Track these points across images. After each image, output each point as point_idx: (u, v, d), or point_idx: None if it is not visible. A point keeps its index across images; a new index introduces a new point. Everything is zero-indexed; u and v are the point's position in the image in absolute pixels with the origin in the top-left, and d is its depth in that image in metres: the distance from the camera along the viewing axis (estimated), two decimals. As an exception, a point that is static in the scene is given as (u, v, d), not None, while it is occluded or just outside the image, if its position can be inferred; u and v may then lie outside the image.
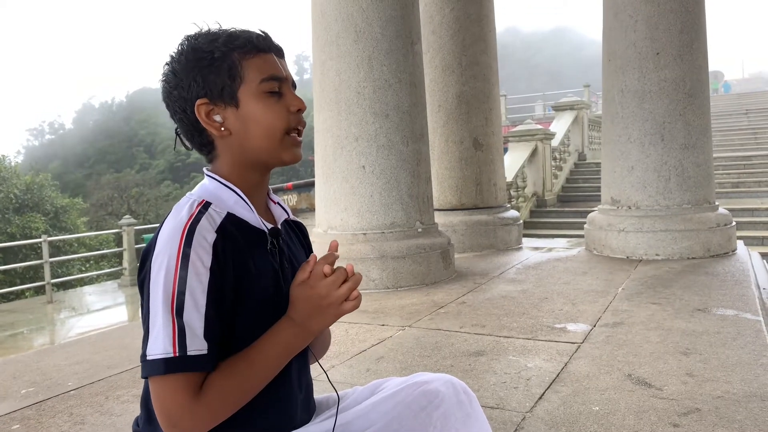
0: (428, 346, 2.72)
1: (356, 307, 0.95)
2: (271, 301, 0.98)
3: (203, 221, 0.93)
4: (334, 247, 0.99)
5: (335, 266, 0.95)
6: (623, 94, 4.91)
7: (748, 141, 15.77)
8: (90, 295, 10.93)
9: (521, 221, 6.37)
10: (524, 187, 10.89)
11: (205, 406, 0.87)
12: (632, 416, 1.87)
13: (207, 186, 1.00)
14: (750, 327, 2.78)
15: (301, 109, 1.01)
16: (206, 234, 0.91)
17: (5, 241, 15.21)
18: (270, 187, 1.10)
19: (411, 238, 4.19)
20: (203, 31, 1.00)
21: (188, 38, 0.99)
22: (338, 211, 4.22)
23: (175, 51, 0.99)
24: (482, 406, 1.13)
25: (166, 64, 1.00)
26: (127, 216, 12.99)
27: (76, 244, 18.55)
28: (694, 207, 4.78)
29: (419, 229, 4.28)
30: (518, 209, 9.74)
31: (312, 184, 7.14)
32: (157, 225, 0.96)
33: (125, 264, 11.26)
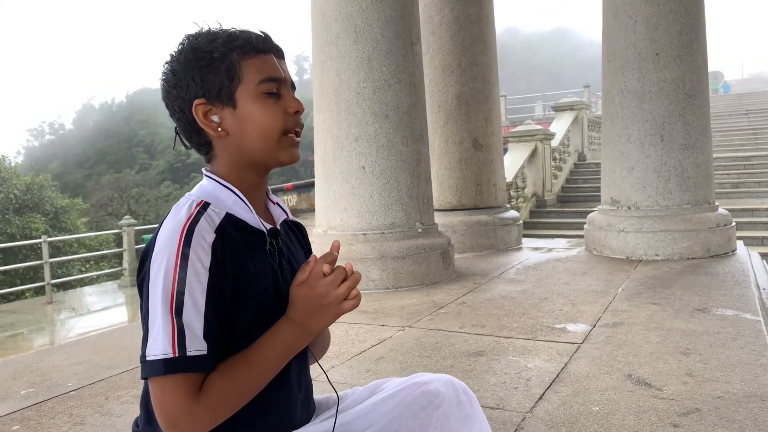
0: (428, 347, 2.72)
1: (356, 306, 0.95)
2: (270, 301, 0.98)
3: (202, 221, 0.93)
4: (335, 247, 0.99)
5: (334, 266, 0.95)
6: (623, 94, 4.91)
7: (748, 141, 15.78)
8: (90, 295, 10.93)
9: (521, 221, 6.37)
10: (524, 188, 10.90)
11: (204, 406, 0.87)
12: (632, 416, 1.87)
13: (206, 186, 1.00)
14: (750, 327, 2.78)
15: (299, 111, 1.01)
16: (205, 234, 0.91)
17: (5, 242, 15.22)
18: (270, 187, 1.10)
19: (411, 239, 4.19)
20: (204, 30, 1.00)
21: (188, 38, 0.99)
22: (338, 212, 4.22)
23: (175, 50, 0.99)
24: (482, 407, 1.13)
25: (166, 63, 1.00)
26: (127, 216, 12.99)
27: (76, 245, 18.56)
28: (693, 207, 4.78)
29: (419, 230, 4.28)
30: (518, 209, 9.74)
31: (312, 185, 7.14)
32: (157, 225, 0.96)
33: (125, 264, 11.26)
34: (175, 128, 1.04)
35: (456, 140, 5.81)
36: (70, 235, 18.68)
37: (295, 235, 1.16)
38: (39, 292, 11.24)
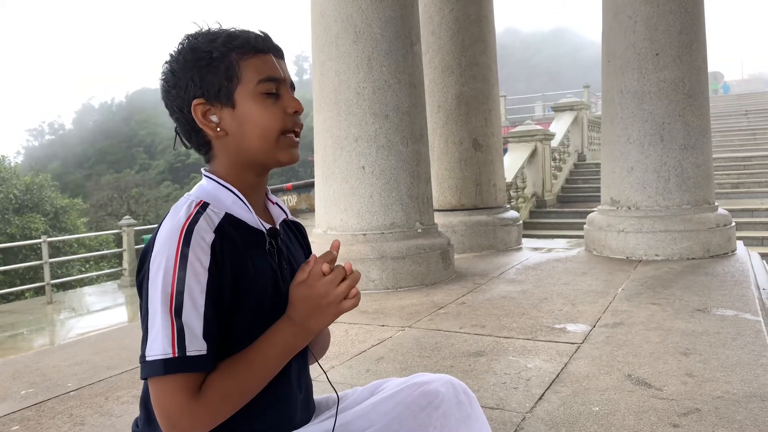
0: (428, 347, 2.72)
1: (355, 305, 0.95)
2: (269, 301, 0.98)
3: (201, 221, 0.92)
4: (335, 247, 0.99)
5: (334, 265, 0.95)
6: (623, 94, 4.91)
7: (748, 142, 15.79)
8: (90, 295, 10.92)
9: (521, 222, 6.37)
10: (524, 188, 10.90)
11: (204, 406, 0.87)
12: (632, 416, 1.87)
13: (205, 186, 1.00)
14: (750, 327, 2.78)
15: (298, 111, 1.01)
16: (204, 234, 0.91)
17: (5, 242, 15.22)
18: (269, 187, 1.10)
19: (411, 239, 4.19)
20: (203, 30, 1.00)
21: (188, 37, 0.99)
22: (338, 212, 4.22)
23: (175, 50, 0.99)
24: (482, 407, 1.13)
25: (166, 63, 1.00)
26: (126, 216, 12.99)
27: (75, 245, 18.56)
28: (693, 207, 4.78)
29: (419, 230, 4.28)
30: (518, 210, 9.74)
31: (312, 185, 7.13)
32: (157, 225, 0.96)
33: (125, 264, 11.26)
34: (176, 128, 1.04)
35: (456, 140, 5.81)
36: (69, 235, 18.68)
37: (295, 235, 1.16)
38: (39, 292, 11.23)
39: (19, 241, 16.09)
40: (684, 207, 4.77)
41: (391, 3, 4.17)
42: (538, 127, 12.28)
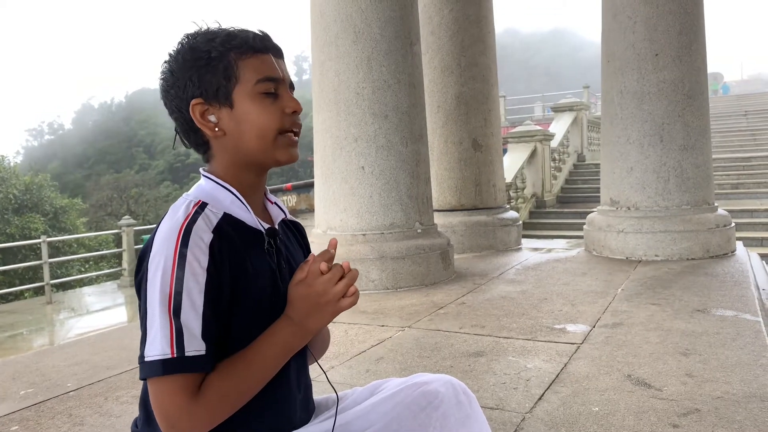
0: (428, 347, 2.72)
1: (354, 303, 0.95)
2: (268, 301, 0.98)
3: (200, 221, 0.92)
4: (332, 245, 0.99)
5: (332, 263, 0.95)
6: (622, 95, 4.91)
7: (747, 142, 15.80)
8: (89, 295, 10.92)
9: (520, 222, 6.37)
10: (523, 188, 10.90)
11: (203, 407, 0.87)
12: (632, 417, 1.87)
13: (203, 186, 1.00)
14: (749, 327, 2.78)
15: (296, 111, 1.01)
16: (203, 234, 0.91)
17: (4, 242, 15.20)
18: (269, 187, 1.09)
19: (410, 239, 4.19)
20: (202, 30, 1.00)
21: (187, 37, 0.99)
22: (337, 212, 4.22)
23: (174, 50, 0.99)
24: (482, 407, 1.13)
25: (165, 62, 1.00)
26: (126, 216, 13.00)
27: (75, 245, 18.55)
28: (693, 208, 4.78)
29: (419, 230, 4.28)
30: (517, 210, 9.75)
31: (311, 185, 7.14)
32: (156, 225, 0.96)
33: (124, 265, 11.26)
34: (175, 128, 1.04)
35: (455, 141, 5.81)
36: (69, 235, 18.67)
37: (294, 234, 1.16)
38: (38, 292, 11.23)
39: (18, 241, 16.08)
40: (684, 207, 4.77)
41: (391, 3, 4.17)
42: (538, 127, 12.29)
